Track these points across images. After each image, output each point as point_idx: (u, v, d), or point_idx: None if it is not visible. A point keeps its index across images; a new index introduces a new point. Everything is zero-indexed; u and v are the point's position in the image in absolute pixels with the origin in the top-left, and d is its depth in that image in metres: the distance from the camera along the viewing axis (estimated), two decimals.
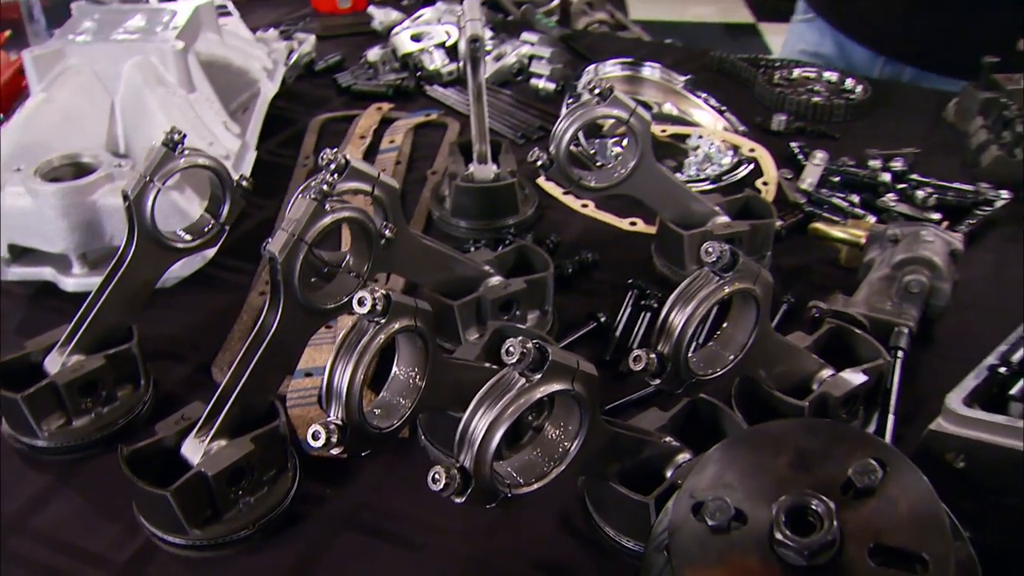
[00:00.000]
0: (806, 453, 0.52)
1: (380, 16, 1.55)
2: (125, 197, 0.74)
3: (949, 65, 1.46)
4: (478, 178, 1.02)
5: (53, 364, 0.75)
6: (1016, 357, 0.66)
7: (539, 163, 0.84)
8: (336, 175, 0.69)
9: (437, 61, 1.36)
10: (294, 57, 1.36)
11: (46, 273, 0.92)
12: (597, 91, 0.83)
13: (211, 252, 0.90)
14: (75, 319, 0.76)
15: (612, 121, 0.93)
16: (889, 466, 0.49)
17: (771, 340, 0.67)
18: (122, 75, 1.01)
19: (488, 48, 1.39)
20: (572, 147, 0.92)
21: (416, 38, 1.41)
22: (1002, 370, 0.64)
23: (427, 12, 1.51)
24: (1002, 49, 1.36)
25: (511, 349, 0.51)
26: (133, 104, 1.00)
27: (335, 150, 0.70)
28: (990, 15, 1.46)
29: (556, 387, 0.53)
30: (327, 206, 0.67)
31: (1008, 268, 0.98)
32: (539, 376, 0.52)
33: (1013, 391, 0.64)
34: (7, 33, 1.41)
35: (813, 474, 0.51)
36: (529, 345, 0.51)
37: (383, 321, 0.55)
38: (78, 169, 0.92)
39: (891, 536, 0.47)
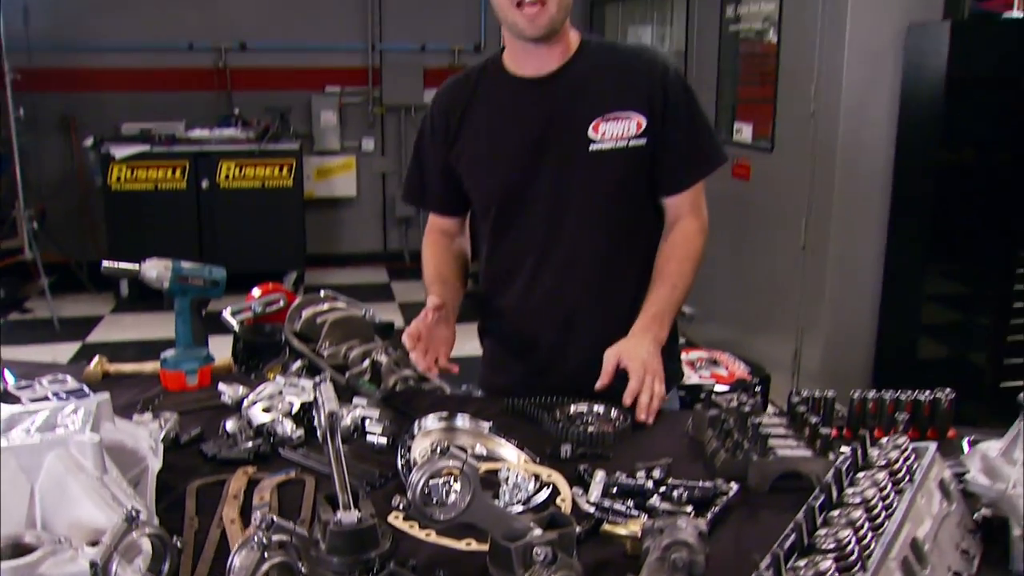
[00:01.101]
0: None
1: (229, 391, 1.83)
2: (93, 565, 0.96)
3: None
4: (345, 523, 1.29)
5: None
6: None
7: (401, 507, 1.14)
8: (267, 530, 0.95)
9: (288, 428, 1.65)
10: (162, 433, 1.61)
11: None
12: (439, 449, 1.16)
13: None
14: None
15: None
16: None
17: None
18: (43, 465, 1.23)
19: None
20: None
21: (266, 410, 1.70)
22: None
23: (269, 387, 1.82)
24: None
25: None
26: (54, 489, 1.22)
27: (265, 509, 0.97)
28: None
29: None
30: (265, 555, 0.93)
31: (744, 541, 1.34)
32: None
33: None
34: None
35: None
36: None
37: None
38: (17, 549, 1.11)
39: None
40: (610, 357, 1.78)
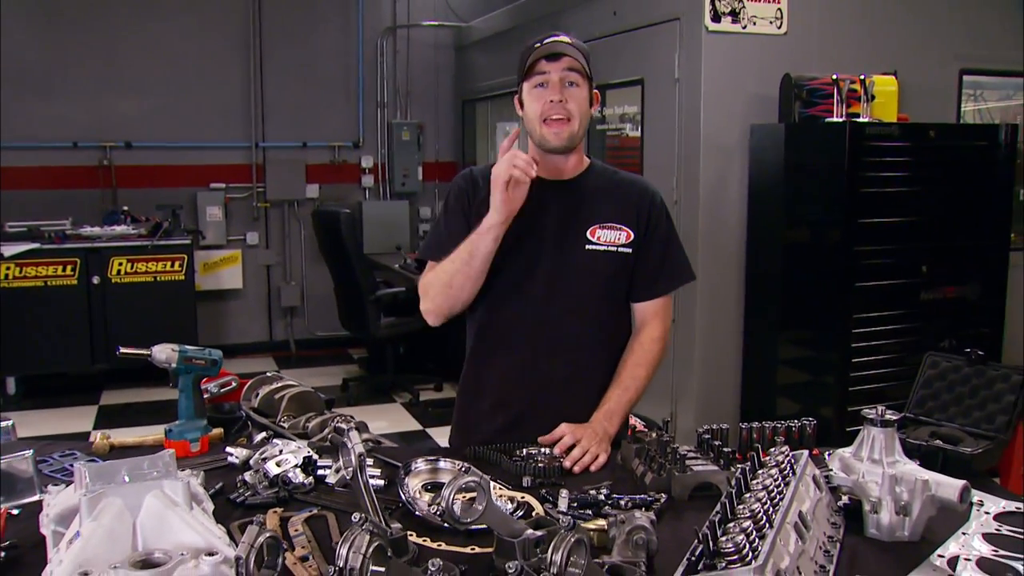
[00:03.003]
0: None
1: (236, 452, 2.16)
2: (238, 559, 1.31)
3: None
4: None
5: None
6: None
7: (438, 513, 1.53)
8: (367, 522, 1.33)
9: (300, 477, 2.00)
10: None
11: None
12: (463, 469, 1.56)
13: None
14: None
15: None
16: None
17: None
18: (143, 504, 1.55)
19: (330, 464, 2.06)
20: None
21: (278, 464, 2.05)
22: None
23: (269, 448, 2.16)
24: None
25: None
26: (155, 522, 1.54)
27: (360, 516, 1.34)
28: None
29: None
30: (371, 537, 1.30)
31: (677, 533, 1.78)
32: None
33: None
34: None
35: None
36: None
37: None
38: (145, 563, 1.44)
39: None
40: (563, 427, 2.21)
